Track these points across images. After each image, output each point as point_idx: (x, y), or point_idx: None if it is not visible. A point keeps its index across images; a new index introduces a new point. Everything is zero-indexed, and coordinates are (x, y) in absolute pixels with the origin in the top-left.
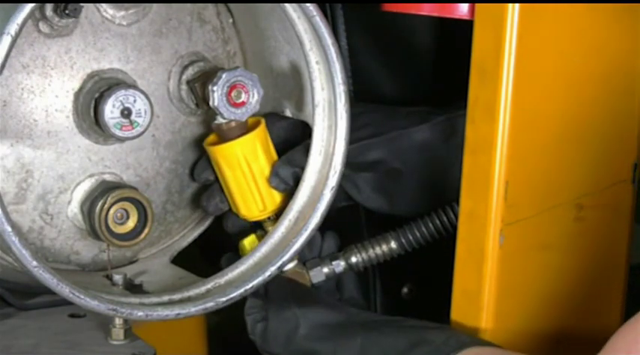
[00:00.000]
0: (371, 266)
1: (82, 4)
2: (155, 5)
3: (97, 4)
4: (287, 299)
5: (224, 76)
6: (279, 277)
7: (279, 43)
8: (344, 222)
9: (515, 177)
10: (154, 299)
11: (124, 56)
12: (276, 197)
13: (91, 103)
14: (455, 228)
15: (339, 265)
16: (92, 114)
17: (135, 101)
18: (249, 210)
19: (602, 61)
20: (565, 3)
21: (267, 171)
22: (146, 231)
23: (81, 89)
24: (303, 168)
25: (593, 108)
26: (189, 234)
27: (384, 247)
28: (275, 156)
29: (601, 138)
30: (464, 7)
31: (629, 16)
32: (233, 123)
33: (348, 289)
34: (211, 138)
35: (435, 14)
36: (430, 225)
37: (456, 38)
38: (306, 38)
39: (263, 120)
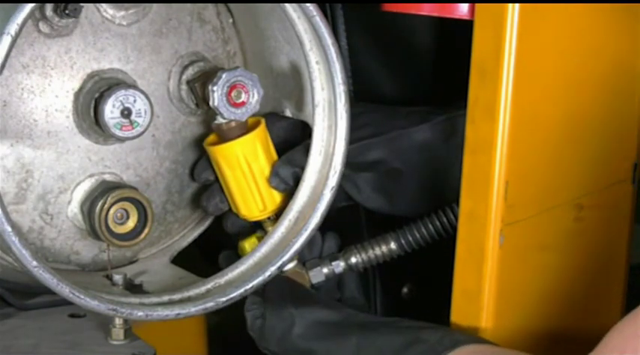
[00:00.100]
0: (371, 266)
1: (82, 4)
2: (155, 5)
3: (97, 4)
4: (284, 298)
5: (224, 76)
6: (278, 276)
7: (279, 43)
8: (344, 223)
9: (515, 177)
10: (154, 299)
11: (124, 56)
12: (276, 197)
13: (91, 103)
14: (455, 229)
15: (339, 266)
16: (92, 114)
17: (135, 101)
18: (250, 210)
19: (602, 61)
20: (565, 3)
21: (267, 171)
22: (146, 231)
23: (81, 89)
24: (303, 168)
25: (593, 108)
26: (189, 234)
27: (384, 248)
28: (275, 156)
29: (601, 138)
30: (464, 7)
31: (629, 16)
32: (233, 123)
33: (349, 288)
34: (211, 138)
35: (435, 14)
36: (430, 226)
37: (456, 38)
38: (306, 38)
39: (263, 120)
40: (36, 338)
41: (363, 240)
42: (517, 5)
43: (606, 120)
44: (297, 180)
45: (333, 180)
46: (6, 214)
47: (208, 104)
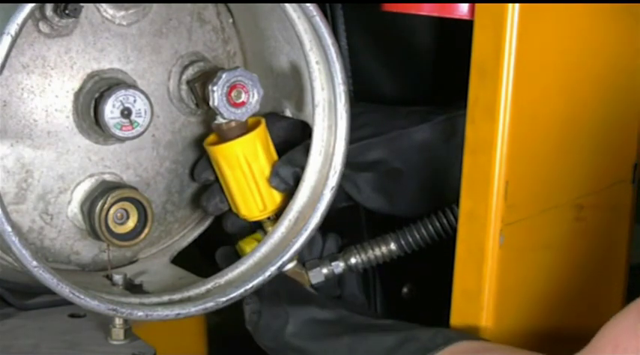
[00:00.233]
0: (371, 266)
1: (82, 4)
2: (155, 5)
3: (97, 4)
4: (279, 296)
5: (224, 76)
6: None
7: (279, 43)
8: (344, 223)
9: (515, 177)
10: (154, 299)
11: (124, 56)
12: (276, 197)
13: (91, 103)
14: (455, 230)
15: (339, 266)
16: (92, 114)
17: (135, 101)
18: (250, 210)
19: (602, 61)
20: (565, 3)
21: (267, 171)
22: (146, 231)
23: (81, 89)
24: (303, 168)
25: (593, 108)
26: (189, 234)
27: (384, 249)
28: (275, 156)
29: (601, 138)
30: (464, 7)
31: (629, 16)
32: (233, 123)
33: (350, 285)
34: (211, 138)
35: (435, 14)
36: (430, 227)
37: (456, 38)
38: (306, 38)
39: (263, 120)
40: (36, 338)
41: (363, 241)
42: (517, 5)
43: (606, 120)
44: (297, 180)
45: (333, 180)
46: (6, 214)
47: (208, 104)
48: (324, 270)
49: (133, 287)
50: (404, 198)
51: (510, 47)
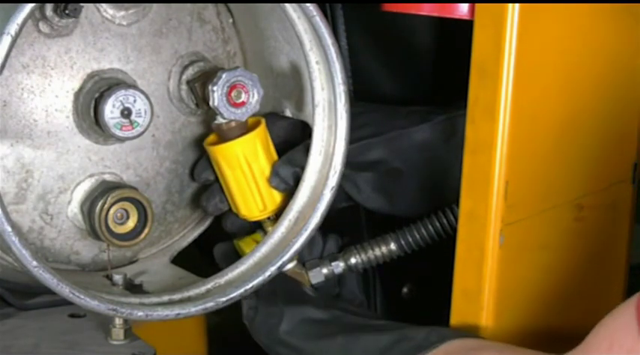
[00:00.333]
0: (371, 266)
1: (82, 4)
2: (155, 5)
3: (97, 4)
4: (275, 294)
5: (224, 76)
6: None
7: (279, 43)
8: (344, 223)
9: (515, 177)
10: (154, 299)
11: (124, 56)
12: (276, 197)
13: (91, 103)
14: (455, 230)
15: (339, 266)
16: (92, 114)
17: (135, 101)
18: (250, 210)
19: (602, 61)
20: (565, 3)
21: (267, 171)
22: (146, 231)
23: (81, 89)
24: (303, 168)
25: (593, 108)
26: (189, 234)
27: (384, 249)
28: (275, 156)
29: (601, 138)
30: (464, 7)
31: (629, 16)
32: (233, 123)
33: (349, 284)
34: (211, 138)
35: (435, 14)
36: (430, 227)
37: (456, 38)
38: (306, 38)
39: (263, 120)
40: (36, 338)
41: (363, 241)
42: (517, 5)
43: (606, 120)
44: (297, 179)
45: (333, 180)
46: (6, 214)
47: (208, 104)
48: (324, 270)
49: (133, 287)
50: (404, 198)
51: (510, 47)
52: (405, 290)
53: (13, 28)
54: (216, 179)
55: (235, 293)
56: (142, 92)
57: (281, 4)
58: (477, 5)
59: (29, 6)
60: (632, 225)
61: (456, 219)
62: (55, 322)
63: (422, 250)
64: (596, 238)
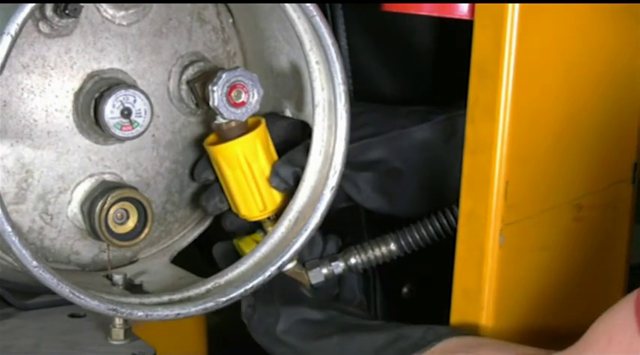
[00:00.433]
0: (371, 266)
1: (82, 4)
2: (155, 5)
3: (97, 4)
4: (272, 294)
5: (224, 76)
6: None
7: (279, 43)
8: (344, 223)
9: (515, 177)
10: (154, 299)
11: (124, 56)
12: (277, 197)
13: (91, 103)
14: (454, 230)
15: (339, 266)
16: (92, 114)
17: (135, 101)
18: (250, 209)
19: (602, 61)
20: (565, 3)
21: (267, 170)
22: (146, 231)
23: (81, 89)
24: (303, 168)
25: (593, 108)
26: (189, 234)
27: (384, 249)
28: (275, 156)
29: (601, 138)
30: (464, 7)
31: (629, 16)
32: (233, 123)
33: (349, 284)
34: (211, 138)
35: (435, 14)
36: (430, 227)
37: (456, 38)
38: (306, 38)
39: (263, 120)
40: (36, 338)
41: (363, 241)
42: (517, 5)
43: (606, 120)
44: (297, 179)
45: (333, 180)
46: (6, 214)
47: (208, 104)
48: (324, 270)
49: (133, 287)
50: (404, 197)
51: (510, 47)
52: (405, 290)
53: (13, 28)
54: (216, 179)
55: (235, 293)
56: (142, 92)
57: (281, 4)
58: (477, 5)
59: (29, 6)
60: (632, 225)
61: (456, 219)
62: (55, 322)
63: (422, 250)
64: (596, 238)
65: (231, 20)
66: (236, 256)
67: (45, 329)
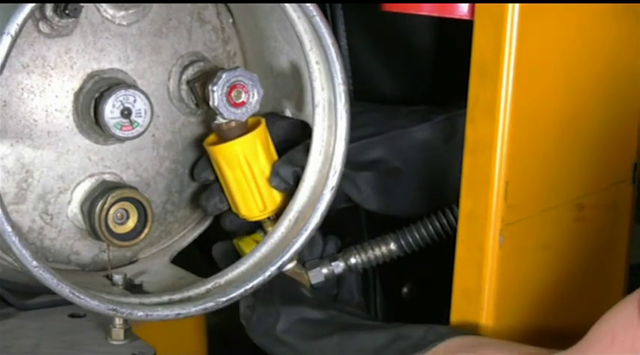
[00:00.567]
0: (371, 266)
1: (82, 4)
2: (155, 5)
3: (97, 4)
4: (272, 294)
5: (224, 76)
6: None
7: (279, 43)
8: (344, 224)
9: (515, 177)
10: (154, 299)
11: (124, 56)
12: (277, 197)
13: (91, 103)
14: (454, 230)
15: (339, 266)
16: (92, 114)
17: (135, 101)
18: (250, 209)
19: (603, 61)
20: (565, 3)
21: (267, 170)
22: (146, 231)
23: (81, 89)
24: (303, 168)
25: (593, 108)
26: (189, 234)
27: (384, 249)
28: (275, 155)
29: (601, 138)
30: (464, 7)
31: (630, 16)
32: (233, 123)
33: (348, 285)
34: (211, 138)
35: (435, 14)
36: (430, 227)
37: (456, 38)
38: (306, 38)
39: (263, 120)
40: (36, 338)
41: (363, 242)
42: (517, 5)
43: (606, 120)
44: (297, 179)
45: (333, 180)
46: (6, 214)
47: (208, 104)
48: (324, 270)
49: (133, 287)
50: (404, 197)
51: (510, 47)
52: (405, 290)
53: (13, 28)
54: (216, 179)
55: (235, 293)
56: (142, 92)
57: (281, 4)
58: (477, 5)
59: (29, 6)
60: (632, 225)
61: (456, 219)
62: (55, 322)
63: (422, 250)
64: (596, 238)
65: (231, 20)
66: (236, 256)
67: (45, 329)
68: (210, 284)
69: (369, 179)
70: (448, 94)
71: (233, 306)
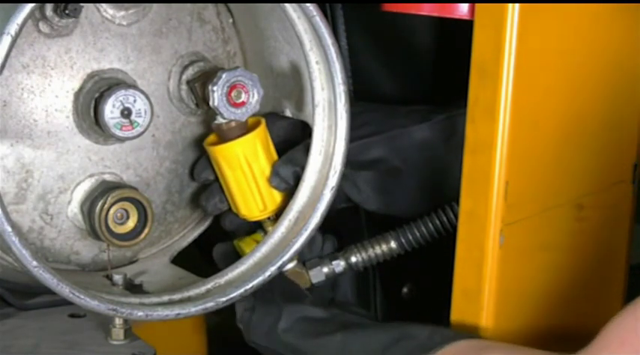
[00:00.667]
0: (371, 266)
1: (82, 4)
2: (155, 5)
3: (97, 4)
4: (273, 293)
5: (224, 76)
6: None
7: (279, 43)
8: (344, 224)
9: (515, 177)
10: (154, 299)
11: (124, 56)
12: (277, 197)
13: (91, 103)
14: (455, 227)
15: (339, 265)
16: (92, 114)
17: (135, 101)
18: (250, 210)
19: (603, 61)
20: (565, 3)
21: (267, 170)
22: (146, 231)
23: (81, 89)
24: (303, 168)
25: (593, 108)
26: (189, 234)
27: (384, 247)
28: (275, 155)
29: (601, 138)
30: (464, 7)
31: (630, 16)
32: (233, 123)
33: (343, 290)
34: (211, 138)
35: (435, 14)
36: (430, 224)
37: (456, 38)
38: (306, 38)
39: (263, 120)
40: (36, 338)
41: (363, 241)
42: (517, 5)
43: (606, 121)
44: (297, 179)
45: (333, 180)
46: (6, 214)
47: (208, 104)
48: (325, 269)
49: (133, 287)
50: (403, 197)
51: (510, 47)
52: (405, 290)
53: (13, 28)
54: (216, 179)
55: (235, 293)
56: (142, 92)
57: (281, 4)
58: (477, 5)
59: (29, 6)
60: (632, 225)
61: (456, 216)
62: (55, 322)
63: (422, 250)
64: (597, 238)
65: (231, 20)
66: (236, 256)
67: (45, 329)
68: (210, 284)
69: (369, 179)
70: (448, 94)
71: (233, 306)
